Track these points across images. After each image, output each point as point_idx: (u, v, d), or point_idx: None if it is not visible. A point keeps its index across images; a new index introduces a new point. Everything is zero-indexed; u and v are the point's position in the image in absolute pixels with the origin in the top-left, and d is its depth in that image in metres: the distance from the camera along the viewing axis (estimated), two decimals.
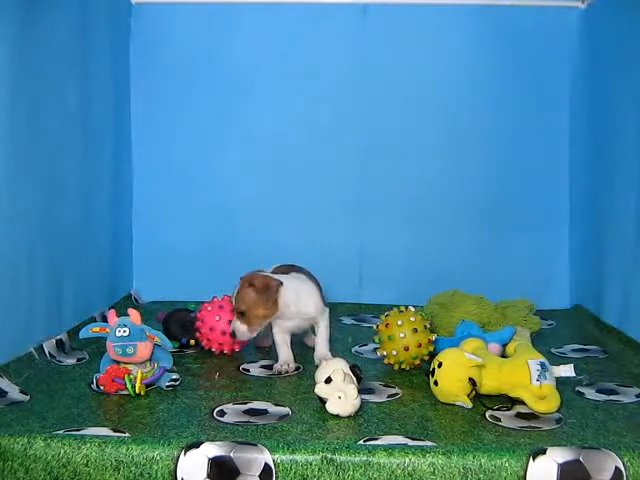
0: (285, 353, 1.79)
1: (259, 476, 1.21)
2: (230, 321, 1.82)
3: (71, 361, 1.79)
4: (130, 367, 1.57)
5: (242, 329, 1.74)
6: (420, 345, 1.72)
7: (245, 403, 1.51)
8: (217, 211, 2.54)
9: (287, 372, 1.74)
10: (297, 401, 1.52)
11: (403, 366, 1.74)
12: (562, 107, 2.48)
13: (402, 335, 1.72)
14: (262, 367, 1.78)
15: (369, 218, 2.53)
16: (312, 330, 1.91)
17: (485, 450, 1.23)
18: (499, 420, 1.41)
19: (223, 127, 2.52)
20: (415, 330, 1.72)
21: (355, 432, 1.34)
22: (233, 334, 1.76)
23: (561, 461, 1.21)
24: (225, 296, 1.89)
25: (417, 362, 1.74)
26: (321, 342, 1.83)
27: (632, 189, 1.94)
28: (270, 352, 1.90)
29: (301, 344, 1.97)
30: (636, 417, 1.44)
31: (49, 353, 1.76)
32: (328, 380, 1.44)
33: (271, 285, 1.74)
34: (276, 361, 1.78)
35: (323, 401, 1.44)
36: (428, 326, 1.77)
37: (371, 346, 1.95)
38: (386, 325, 1.76)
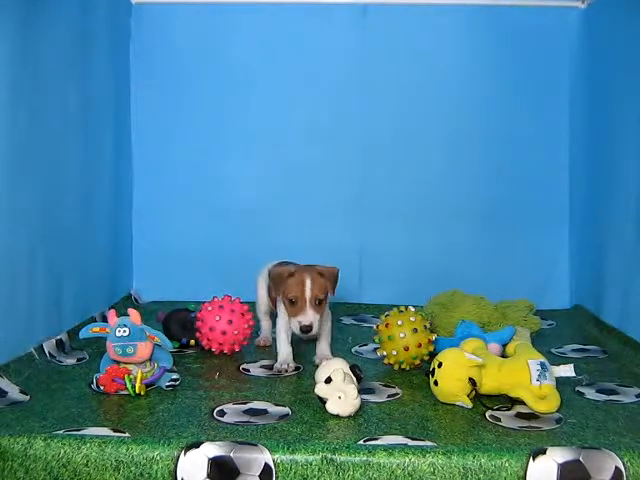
0: (285, 352, 1.79)
1: (259, 476, 1.21)
2: (230, 321, 1.82)
3: (71, 361, 1.79)
4: (130, 367, 1.57)
5: (317, 318, 1.71)
6: (420, 345, 1.72)
7: (245, 403, 1.51)
8: (217, 211, 2.54)
9: (287, 371, 1.74)
10: (297, 401, 1.52)
11: (403, 366, 1.74)
12: (562, 107, 2.48)
13: (402, 335, 1.72)
14: (262, 367, 1.78)
15: (369, 218, 2.53)
16: None
17: (485, 450, 1.24)
18: (499, 420, 1.41)
19: (223, 127, 2.52)
20: (415, 330, 1.72)
21: (355, 432, 1.34)
22: (308, 328, 1.69)
23: (561, 461, 1.21)
24: (225, 296, 1.89)
25: (417, 362, 1.74)
26: (323, 342, 1.84)
27: (632, 189, 1.94)
28: (270, 352, 1.90)
29: (301, 343, 1.97)
30: (636, 417, 1.44)
31: (49, 353, 1.76)
32: (328, 380, 1.44)
33: (336, 274, 1.77)
34: (276, 361, 1.79)
35: (323, 401, 1.44)
36: (428, 326, 1.78)
37: (371, 346, 1.95)
38: (386, 325, 1.76)
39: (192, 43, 2.50)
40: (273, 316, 1.98)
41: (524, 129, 2.49)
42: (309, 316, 1.69)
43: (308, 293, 1.70)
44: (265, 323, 2.07)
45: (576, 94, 2.44)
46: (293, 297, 1.71)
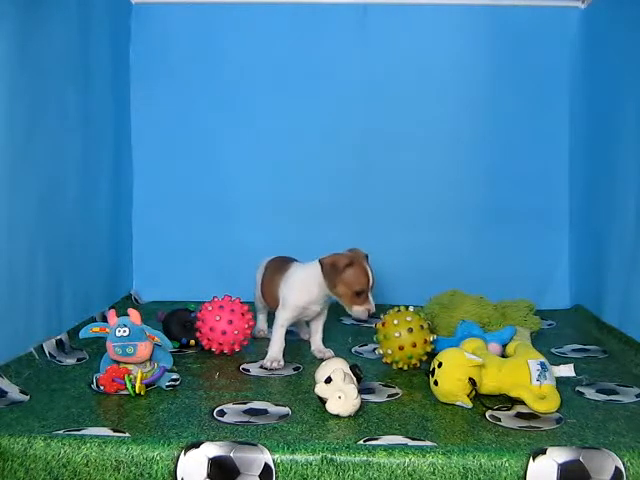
0: (277, 350, 1.80)
1: (259, 476, 1.21)
2: (230, 321, 1.82)
3: (71, 361, 1.79)
4: (130, 367, 1.57)
5: None
6: (415, 345, 1.72)
7: (245, 403, 1.51)
8: (217, 211, 2.54)
9: (276, 369, 1.75)
10: (297, 401, 1.52)
11: (400, 365, 1.75)
12: (562, 107, 2.47)
13: (397, 334, 1.72)
14: (262, 367, 1.78)
15: (369, 217, 2.52)
16: (306, 323, 1.94)
17: (485, 450, 1.24)
18: (499, 420, 1.41)
19: (223, 127, 2.52)
20: (410, 330, 1.72)
21: (355, 432, 1.34)
22: (374, 313, 1.76)
23: (561, 461, 1.21)
24: (225, 296, 1.89)
25: (413, 362, 1.74)
26: (320, 334, 1.89)
27: (632, 189, 1.94)
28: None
29: (301, 343, 1.98)
30: (636, 417, 1.44)
31: (49, 353, 1.76)
32: (328, 380, 1.44)
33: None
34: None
35: (323, 401, 1.44)
36: (425, 326, 1.77)
37: (371, 346, 1.95)
38: (383, 324, 1.77)
39: (192, 43, 2.49)
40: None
41: (524, 129, 2.49)
42: (373, 303, 1.75)
43: (371, 282, 1.74)
44: (261, 316, 2.09)
45: (576, 94, 2.44)
46: (360, 289, 1.73)
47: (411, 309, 1.79)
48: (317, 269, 1.77)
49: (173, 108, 2.52)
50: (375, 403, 1.52)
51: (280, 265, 1.92)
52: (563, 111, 2.47)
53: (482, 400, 1.50)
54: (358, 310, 1.74)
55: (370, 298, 1.75)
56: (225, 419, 1.41)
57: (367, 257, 1.81)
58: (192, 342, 1.91)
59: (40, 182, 1.76)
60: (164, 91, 2.51)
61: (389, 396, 1.57)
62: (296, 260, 1.94)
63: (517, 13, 2.45)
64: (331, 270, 1.74)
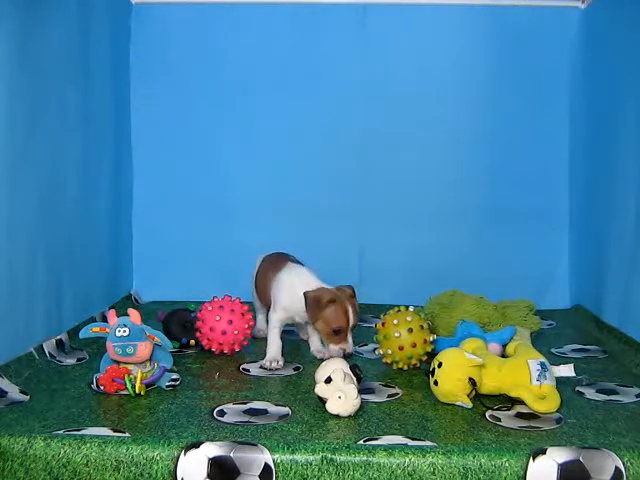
0: (275, 350, 1.80)
1: (259, 476, 1.21)
2: (230, 321, 1.82)
3: (71, 361, 1.79)
4: (130, 367, 1.56)
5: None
6: (415, 345, 1.72)
7: (245, 403, 1.51)
8: (217, 211, 2.54)
9: (276, 369, 1.75)
10: (297, 401, 1.52)
11: (400, 365, 1.75)
12: (562, 107, 2.47)
13: (397, 334, 1.72)
14: (262, 367, 1.78)
15: (369, 218, 2.53)
16: (305, 323, 1.93)
17: (485, 450, 1.24)
18: (499, 420, 1.41)
19: (223, 127, 2.52)
20: (410, 330, 1.72)
21: (355, 432, 1.34)
22: (350, 353, 1.72)
23: (561, 461, 1.21)
24: (225, 296, 1.89)
25: (413, 362, 1.74)
26: (316, 336, 1.88)
27: (632, 189, 1.94)
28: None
29: (301, 343, 1.98)
30: (636, 417, 1.44)
31: (49, 353, 1.76)
32: (328, 380, 1.44)
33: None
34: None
35: (323, 401, 1.44)
36: (425, 326, 1.78)
37: (371, 346, 1.94)
38: (383, 324, 1.77)
39: (192, 43, 2.50)
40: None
41: (524, 129, 2.49)
42: (350, 343, 1.73)
43: (352, 322, 1.73)
44: (261, 316, 2.09)
45: (576, 94, 2.44)
46: (338, 328, 1.72)
47: (411, 309, 1.79)
48: (306, 284, 1.78)
49: (173, 108, 2.52)
50: (375, 403, 1.52)
51: (274, 263, 1.93)
52: (563, 111, 2.48)
53: (482, 400, 1.50)
54: (333, 349, 1.73)
55: (349, 337, 1.73)
56: (225, 419, 1.40)
57: (354, 295, 1.79)
58: (192, 342, 1.91)
59: (40, 182, 1.76)
60: (164, 91, 2.51)
61: (389, 396, 1.57)
62: (290, 260, 1.93)
63: (517, 13, 2.45)
64: (313, 304, 1.73)
